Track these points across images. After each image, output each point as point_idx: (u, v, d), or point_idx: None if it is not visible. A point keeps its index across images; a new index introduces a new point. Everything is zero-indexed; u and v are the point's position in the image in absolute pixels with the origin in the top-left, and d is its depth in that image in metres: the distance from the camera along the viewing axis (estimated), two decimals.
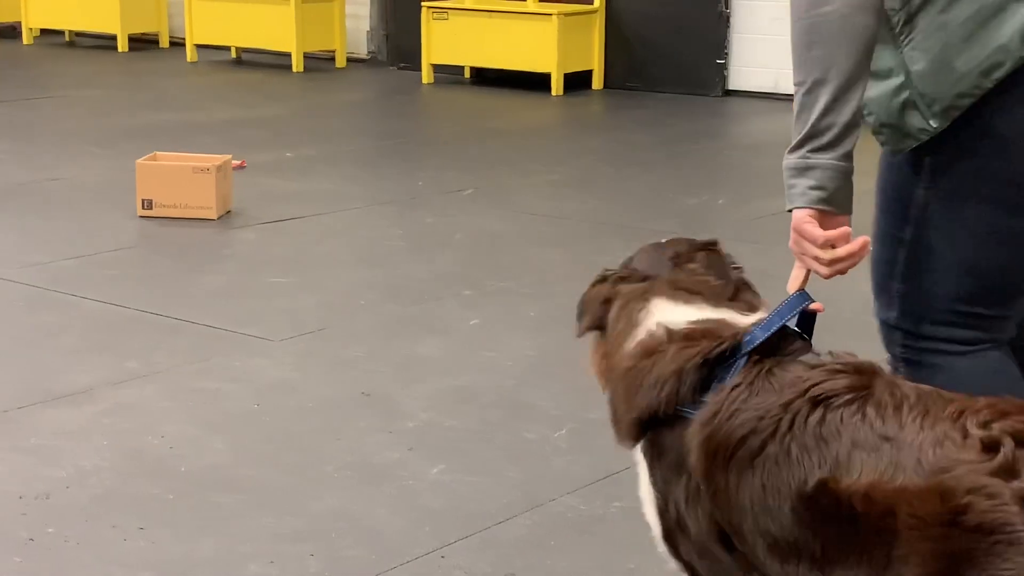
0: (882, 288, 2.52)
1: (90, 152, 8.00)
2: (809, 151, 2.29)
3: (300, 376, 4.36)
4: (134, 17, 12.71)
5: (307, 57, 11.68)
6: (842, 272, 2.30)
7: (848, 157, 2.29)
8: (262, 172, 7.40)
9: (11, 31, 13.46)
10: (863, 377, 2.03)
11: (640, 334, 2.26)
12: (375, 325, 4.89)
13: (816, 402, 2.00)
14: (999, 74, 2.29)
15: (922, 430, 1.89)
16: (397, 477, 3.62)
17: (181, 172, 6.41)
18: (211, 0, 11.93)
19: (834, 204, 2.29)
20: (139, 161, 6.49)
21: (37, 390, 4.15)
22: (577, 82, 10.55)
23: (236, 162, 7.04)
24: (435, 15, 10.85)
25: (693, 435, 2.12)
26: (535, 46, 10.44)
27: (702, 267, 2.36)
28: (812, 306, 2.27)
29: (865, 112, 2.37)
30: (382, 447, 3.82)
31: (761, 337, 2.15)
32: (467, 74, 11.16)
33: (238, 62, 12.11)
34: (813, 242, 2.28)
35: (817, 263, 2.29)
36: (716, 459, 2.08)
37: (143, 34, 12.93)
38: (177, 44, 12.76)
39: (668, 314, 2.26)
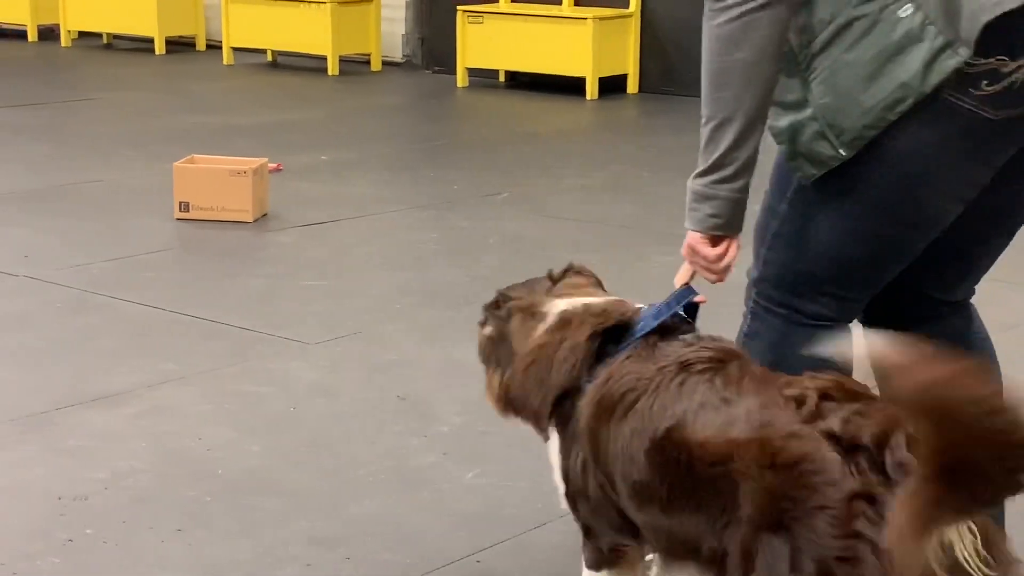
0: (755, 250, 2.80)
1: (128, 155, 8.05)
2: (712, 182, 2.58)
3: (336, 379, 4.38)
4: (171, 20, 12.79)
5: (342, 60, 11.73)
6: (723, 280, 2.68)
7: (745, 189, 2.59)
8: (297, 175, 7.43)
9: (50, 33, 13.57)
10: (724, 355, 2.38)
11: (543, 326, 2.60)
12: (411, 329, 4.91)
13: (681, 367, 2.36)
14: (902, 108, 2.47)
15: (756, 396, 2.23)
16: (432, 481, 3.63)
17: (218, 175, 6.45)
18: (247, 3, 11.99)
19: (728, 229, 2.62)
20: (176, 164, 6.53)
21: (76, 392, 4.18)
22: (612, 86, 10.55)
23: (272, 165, 7.08)
24: (470, 19, 10.87)
25: (586, 400, 2.46)
26: (570, 50, 10.45)
27: (578, 279, 2.78)
28: (696, 299, 2.63)
29: (778, 141, 2.63)
30: (417, 451, 3.83)
31: (652, 324, 2.50)
32: (501, 78, 11.18)
33: (274, 65, 12.17)
34: (705, 258, 2.65)
35: (707, 272, 2.67)
36: (600, 416, 2.41)
37: (180, 37, 13.01)
38: (214, 47, 12.82)
39: (566, 304, 2.62)
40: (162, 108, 9.91)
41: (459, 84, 11.01)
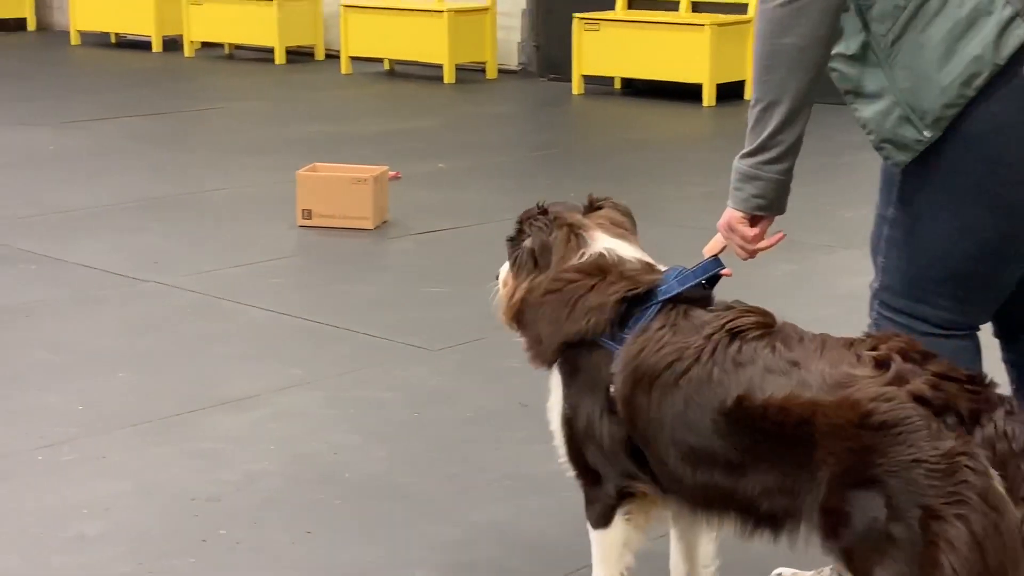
0: (873, 259, 2.84)
1: (250, 163, 8.21)
2: (758, 163, 2.67)
3: (458, 386, 4.42)
4: (291, 30, 13.01)
5: (458, 69, 11.82)
6: (754, 258, 2.79)
7: (789, 171, 2.67)
8: (416, 183, 7.51)
9: (173, 44, 13.88)
10: (768, 318, 2.46)
11: (581, 255, 2.64)
12: None
13: (733, 334, 2.40)
14: (979, 82, 2.53)
15: (821, 357, 2.29)
16: (556, 489, 3.63)
17: (339, 183, 6.55)
18: (366, 13, 12.15)
19: (769, 210, 2.72)
20: (299, 172, 6.64)
21: (206, 395, 4.28)
22: (729, 93, 10.48)
23: (391, 173, 7.16)
24: (586, 26, 10.88)
25: (620, 367, 2.49)
26: (687, 56, 10.40)
27: (615, 215, 2.84)
28: (723, 272, 2.67)
29: (866, 131, 2.69)
30: (541, 458, 3.83)
31: (677, 288, 2.56)
32: (617, 85, 11.17)
33: (391, 74, 12.31)
34: (743, 237, 2.74)
35: (740, 250, 2.77)
36: (639, 384, 2.45)
37: (299, 47, 13.23)
38: (332, 56, 13.01)
39: (606, 243, 2.68)
40: (283, 117, 10.09)
41: (574, 91, 11.03)
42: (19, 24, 15.66)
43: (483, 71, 12.09)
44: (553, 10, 11.72)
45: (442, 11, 11.65)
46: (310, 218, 6.53)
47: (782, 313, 2.57)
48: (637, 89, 10.99)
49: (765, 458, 2.27)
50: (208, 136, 9.41)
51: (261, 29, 12.95)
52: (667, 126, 9.75)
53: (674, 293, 2.55)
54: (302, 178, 6.60)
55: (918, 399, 2.15)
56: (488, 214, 6.90)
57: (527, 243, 2.76)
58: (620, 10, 11.12)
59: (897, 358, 2.22)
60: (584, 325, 2.56)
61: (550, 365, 2.68)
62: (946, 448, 2.10)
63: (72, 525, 3.37)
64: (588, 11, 10.98)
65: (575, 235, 2.70)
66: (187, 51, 13.51)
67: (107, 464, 3.74)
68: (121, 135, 9.06)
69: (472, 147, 8.88)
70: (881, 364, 2.23)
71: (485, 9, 11.86)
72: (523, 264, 2.74)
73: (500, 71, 12.13)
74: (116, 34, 14.48)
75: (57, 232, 6.35)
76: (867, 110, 2.68)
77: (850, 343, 2.32)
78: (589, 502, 2.68)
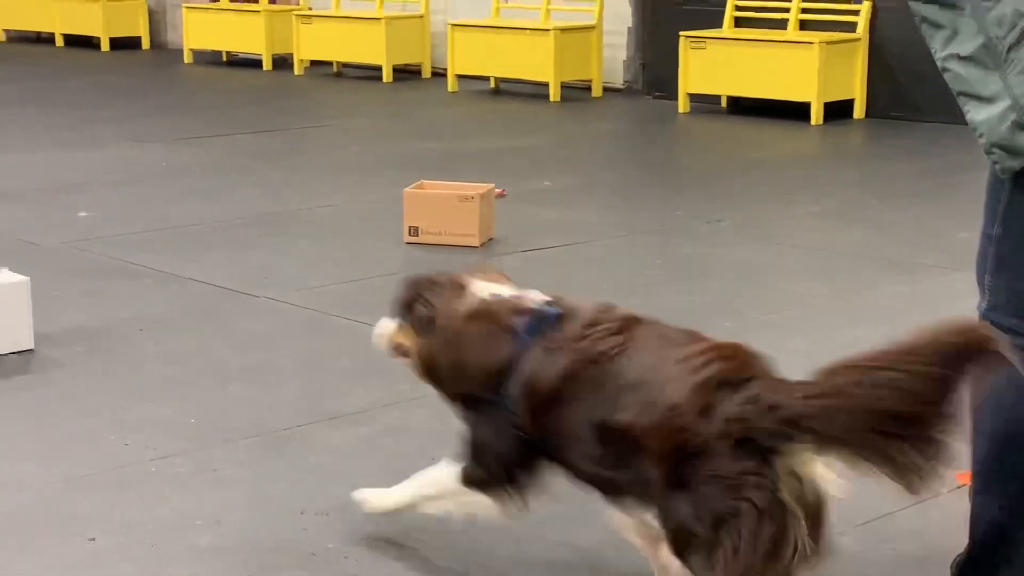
0: (979, 280, 2.81)
1: (358, 179, 8.30)
2: None
3: None
4: (399, 49, 13.15)
5: (563, 86, 11.85)
6: None
7: None
8: (522, 200, 7.53)
9: (283, 62, 14.10)
10: (628, 326, 2.90)
11: (467, 305, 3.10)
12: None
13: (598, 360, 2.85)
14: None
15: (659, 372, 2.75)
16: None
17: (447, 200, 6.59)
18: (472, 32, 12.24)
19: None
20: (407, 190, 6.70)
21: (316, 409, 4.33)
22: (838, 111, 10.37)
23: (497, 191, 7.19)
24: (693, 44, 10.84)
25: (517, 388, 2.96)
26: (795, 75, 10.32)
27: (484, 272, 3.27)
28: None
29: (977, 134, 2.67)
30: None
31: (555, 312, 2.99)
32: (723, 103, 11.11)
33: (496, 92, 12.38)
34: None
35: None
36: (537, 405, 2.93)
37: (406, 65, 13.36)
38: (438, 74, 13.13)
39: (487, 291, 3.11)
40: (390, 134, 10.19)
41: (680, 110, 10.99)
42: (134, 43, 16.04)
43: (588, 89, 12.11)
44: (659, 28, 11.71)
45: (548, 29, 11.69)
46: (417, 235, 6.58)
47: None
48: (743, 107, 10.92)
49: (625, 460, 2.80)
50: (317, 153, 9.54)
51: (369, 47, 13.11)
52: (774, 145, 9.67)
53: (554, 316, 3.00)
54: (409, 195, 6.65)
55: (728, 423, 2.61)
56: (595, 232, 6.90)
57: (418, 312, 3.24)
58: (727, 28, 11.07)
59: (713, 380, 2.66)
60: (481, 365, 3.06)
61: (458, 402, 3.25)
62: (738, 469, 2.58)
63: (185, 536, 3.43)
64: (695, 29, 10.94)
65: (459, 291, 3.17)
66: (296, 69, 13.72)
67: (219, 477, 3.80)
68: (232, 152, 9.22)
69: (578, 165, 8.89)
70: (704, 386, 2.66)
71: (592, 27, 11.88)
72: (423, 326, 3.22)
73: (605, 89, 12.14)
74: (227, 52, 14.76)
75: (171, 247, 6.48)
76: (980, 113, 2.65)
77: (686, 357, 2.73)
78: (467, 466, 3.21)
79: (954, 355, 2.41)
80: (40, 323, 4.93)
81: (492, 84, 12.49)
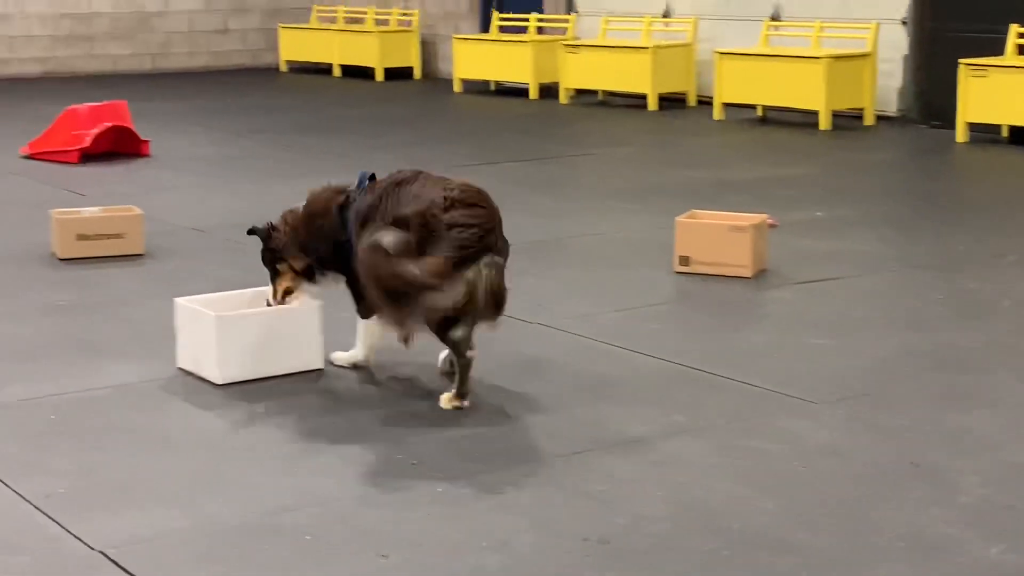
0: None
1: (625, 208, 8.35)
2: None
3: (846, 441, 4.33)
4: (665, 77, 13.17)
5: (834, 115, 11.63)
6: None
7: None
8: (793, 231, 7.42)
9: (549, 91, 14.32)
10: (414, 176, 4.79)
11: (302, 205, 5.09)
12: (920, 393, 4.78)
13: (396, 184, 4.76)
14: None
15: (430, 191, 4.67)
16: (952, 553, 3.50)
17: (718, 230, 6.56)
18: (740, 60, 12.16)
19: None
20: (679, 218, 6.70)
21: (594, 437, 4.36)
22: None
23: (769, 220, 7.11)
24: (973, 72, 10.49)
25: (353, 220, 4.88)
26: None
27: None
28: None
29: None
30: (935, 521, 3.71)
31: (367, 175, 4.94)
32: (1004, 133, 10.69)
33: (763, 120, 12.25)
34: None
35: None
36: (364, 219, 4.79)
37: (671, 93, 13.37)
38: (703, 102, 13.08)
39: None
40: (656, 162, 10.21)
41: (958, 139, 10.64)
42: (406, 73, 16.57)
43: (860, 118, 11.85)
44: (936, 55, 11.38)
45: (820, 57, 11.51)
46: (687, 265, 6.56)
47: None
48: None
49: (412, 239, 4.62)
50: (584, 181, 9.64)
51: (635, 76, 13.18)
52: None
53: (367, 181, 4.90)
54: (682, 225, 6.64)
55: (452, 220, 4.60)
56: (870, 264, 6.74)
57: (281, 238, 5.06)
58: (1010, 56, 10.67)
59: (452, 201, 4.62)
60: (332, 234, 4.94)
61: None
62: (458, 244, 4.56)
63: (473, 557, 3.51)
64: (974, 56, 10.58)
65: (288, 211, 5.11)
66: (562, 98, 13.91)
67: (502, 500, 3.87)
68: (501, 180, 9.37)
69: (851, 195, 8.71)
70: (447, 200, 4.62)
71: (866, 55, 11.64)
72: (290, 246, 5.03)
73: (878, 117, 11.86)
74: (495, 82, 15.08)
75: None
76: None
77: (445, 187, 4.69)
78: (362, 308, 5.01)
79: None
80: (329, 344, 5.14)
81: (759, 112, 12.37)
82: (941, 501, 3.84)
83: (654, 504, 3.84)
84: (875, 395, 4.76)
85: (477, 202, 4.63)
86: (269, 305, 5.04)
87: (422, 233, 4.52)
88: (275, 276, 5.05)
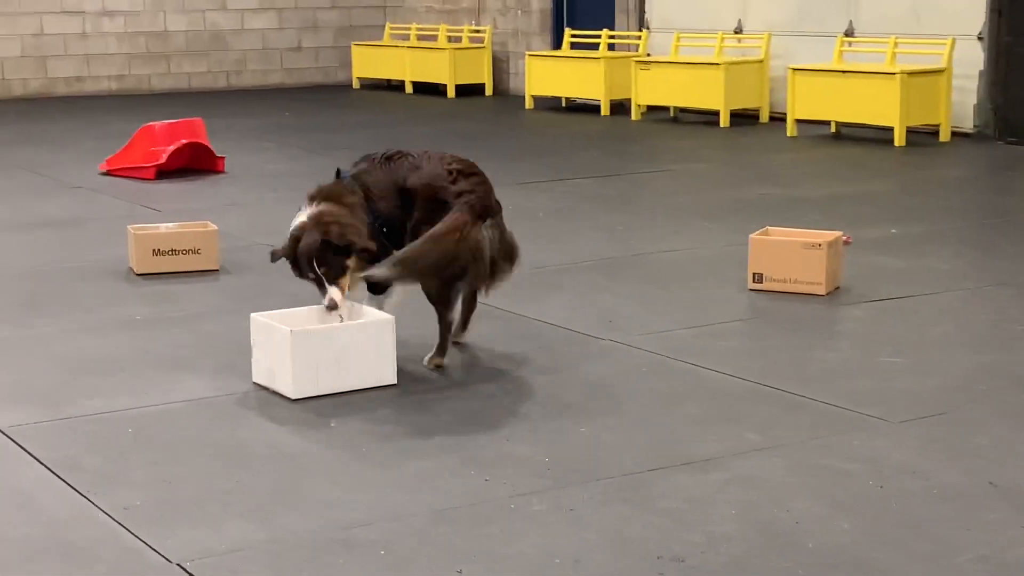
0: None
1: (698, 224, 8.32)
2: None
3: (923, 461, 4.28)
4: (737, 93, 13.12)
5: (908, 131, 11.52)
6: None
7: None
8: (868, 248, 7.36)
9: (620, 107, 14.31)
10: (400, 151, 5.34)
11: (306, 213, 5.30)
12: (999, 413, 4.71)
13: (388, 158, 5.32)
14: None
15: (431, 165, 5.22)
16: None
17: (792, 247, 6.51)
18: (814, 76, 12.08)
19: None
20: (752, 236, 6.66)
21: (666, 455, 4.35)
22: None
23: (843, 238, 7.05)
24: None
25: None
26: None
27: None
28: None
29: None
30: (1014, 543, 3.66)
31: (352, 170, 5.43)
32: None
33: (836, 136, 12.16)
34: None
35: None
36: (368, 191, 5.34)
37: (744, 109, 13.31)
38: (776, 119, 13.01)
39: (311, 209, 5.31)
40: (729, 179, 10.16)
41: None
42: (478, 89, 16.65)
43: (935, 134, 11.73)
44: (1013, 71, 11.23)
45: (895, 73, 11.41)
46: (761, 282, 6.52)
47: None
48: None
49: (408, 206, 5.19)
50: (657, 198, 9.62)
51: (707, 92, 13.15)
52: None
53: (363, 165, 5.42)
54: (755, 242, 6.61)
55: (458, 185, 5.17)
56: (946, 283, 6.67)
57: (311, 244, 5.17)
58: None
59: (461, 171, 5.19)
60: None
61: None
62: (464, 219, 5.08)
63: (545, 573, 3.50)
64: None
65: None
66: (634, 114, 13.90)
67: (575, 516, 3.87)
68: (574, 196, 9.41)
69: (926, 212, 8.62)
70: (452, 173, 5.15)
71: (941, 71, 11.52)
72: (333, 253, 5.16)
73: (953, 133, 11.73)
74: (567, 98, 15.10)
75: (520, 290, 6.64)
76: None
77: (448, 161, 5.23)
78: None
79: None
80: (402, 359, 5.17)
81: (832, 128, 12.28)
82: (1020, 522, 3.78)
83: (728, 522, 3.81)
84: (952, 414, 4.70)
85: (475, 172, 5.21)
86: (341, 318, 5.07)
87: (431, 204, 5.09)
88: (338, 275, 5.05)
